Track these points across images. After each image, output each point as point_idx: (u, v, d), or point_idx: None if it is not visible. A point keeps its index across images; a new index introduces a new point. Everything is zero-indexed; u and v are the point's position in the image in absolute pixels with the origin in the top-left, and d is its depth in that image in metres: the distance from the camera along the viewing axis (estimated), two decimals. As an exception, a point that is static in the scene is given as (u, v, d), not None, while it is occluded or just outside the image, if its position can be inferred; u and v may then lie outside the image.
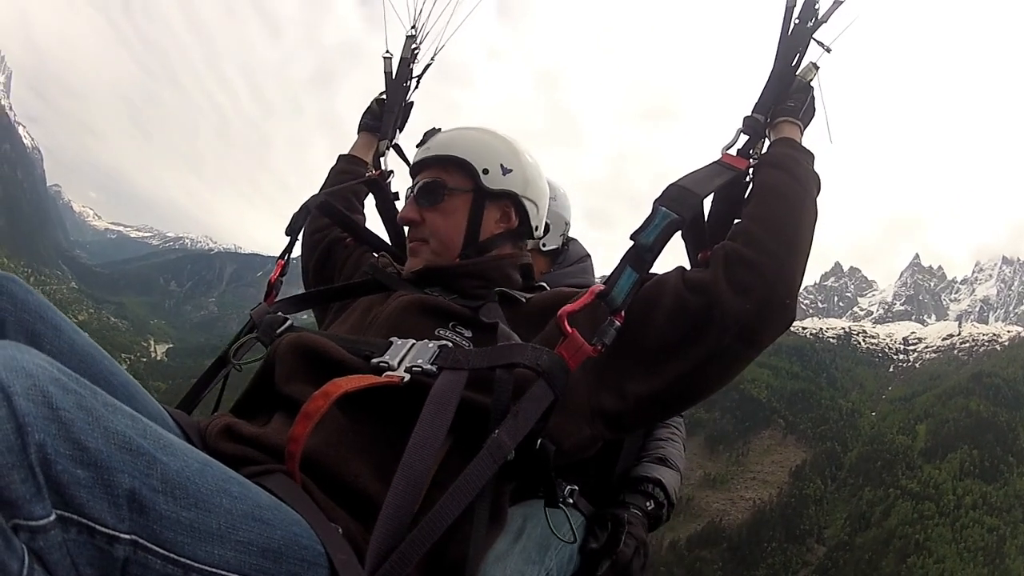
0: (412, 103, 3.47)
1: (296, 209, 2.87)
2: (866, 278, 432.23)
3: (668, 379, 1.87)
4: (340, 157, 3.40)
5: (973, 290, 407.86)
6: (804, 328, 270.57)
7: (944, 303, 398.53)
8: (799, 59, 2.32)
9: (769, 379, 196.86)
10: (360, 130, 3.48)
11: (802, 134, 2.29)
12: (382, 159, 3.34)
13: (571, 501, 2.11)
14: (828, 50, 2.33)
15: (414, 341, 1.82)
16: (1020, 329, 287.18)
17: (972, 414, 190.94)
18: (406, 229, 2.42)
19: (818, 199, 2.12)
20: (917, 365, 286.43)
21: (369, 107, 3.49)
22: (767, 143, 2.27)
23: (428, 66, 3.50)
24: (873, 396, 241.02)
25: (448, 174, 2.31)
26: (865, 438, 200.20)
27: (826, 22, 2.30)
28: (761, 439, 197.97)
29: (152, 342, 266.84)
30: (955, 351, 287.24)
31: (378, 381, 1.65)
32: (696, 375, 1.89)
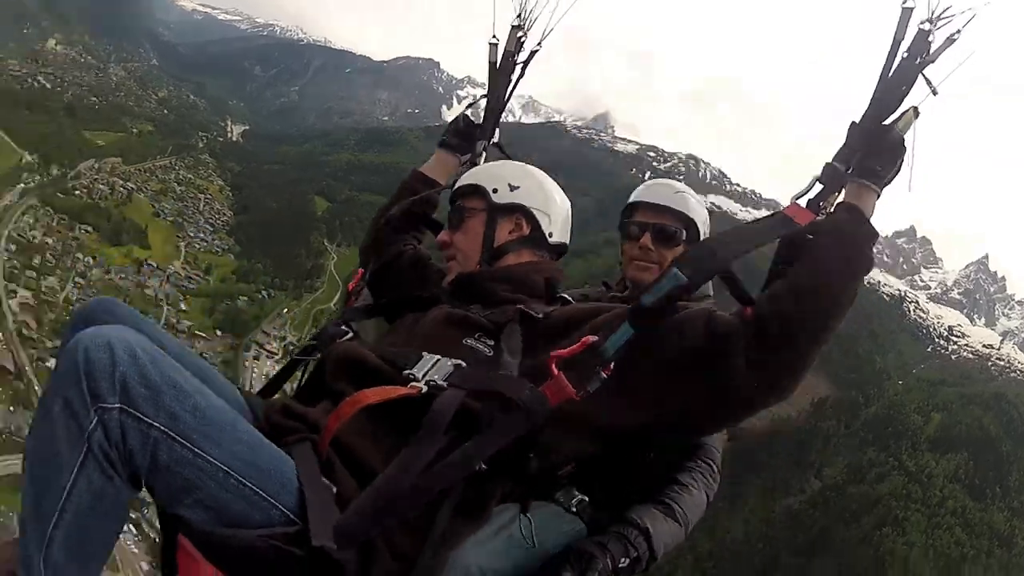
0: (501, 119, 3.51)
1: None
2: (934, 252, 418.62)
3: (663, 419, 2.20)
4: (412, 173, 3.48)
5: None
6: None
7: (996, 313, 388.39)
8: (900, 101, 2.15)
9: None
10: (440, 146, 3.51)
11: (876, 201, 2.18)
12: (480, 160, 3.41)
13: (574, 510, 2.55)
14: (935, 92, 2.11)
15: (439, 357, 2.21)
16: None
17: (984, 429, 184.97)
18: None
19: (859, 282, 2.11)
20: (953, 357, 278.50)
21: (454, 122, 3.51)
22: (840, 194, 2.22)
23: (535, 52, 3.44)
24: (904, 367, 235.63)
25: (467, 199, 2.80)
26: (885, 402, 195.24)
27: (934, 60, 2.10)
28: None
29: (229, 122, 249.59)
30: (988, 363, 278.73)
31: (397, 394, 2.09)
32: (689, 423, 2.30)
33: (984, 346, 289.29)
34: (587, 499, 2.60)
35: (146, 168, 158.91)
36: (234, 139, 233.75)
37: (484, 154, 3.42)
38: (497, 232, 2.73)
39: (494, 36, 3.38)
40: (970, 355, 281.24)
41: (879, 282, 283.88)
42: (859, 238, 2.10)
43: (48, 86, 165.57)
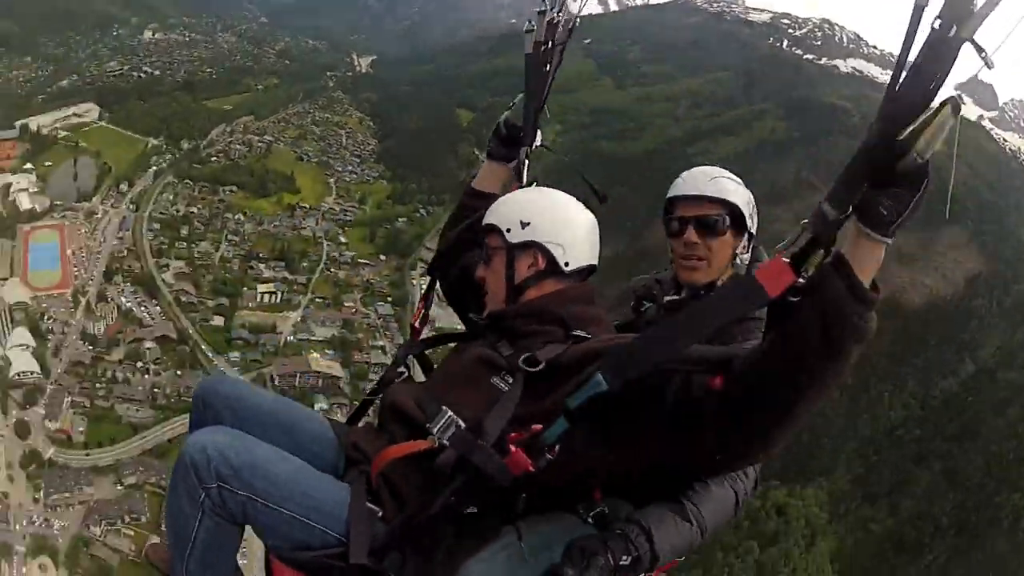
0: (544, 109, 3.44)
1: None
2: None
3: (647, 464, 2.61)
4: (466, 189, 3.56)
5: None
6: (1006, 141, 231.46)
7: None
8: (929, 97, 1.58)
9: (967, 177, 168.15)
10: (488, 157, 3.53)
11: (881, 254, 1.75)
12: (524, 166, 3.40)
13: (590, 521, 2.78)
14: (990, 65, 1.53)
15: (450, 414, 2.60)
16: None
17: None
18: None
19: (853, 355, 1.79)
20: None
21: (496, 128, 3.47)
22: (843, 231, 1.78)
23: (572, 29, 3.32)
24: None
25: (489, 238, 2.98)
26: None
27: (975, 30, 1.52)
28: (952, 231, 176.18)
29: (355, 56, 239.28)
30: None
31: (417, 449, 2.64)
32: (673, 471, 2.80)
33: None
34: (607, 510, 2.79)
35: (280, 119, 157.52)
36: (363, 71, 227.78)
37: (527, 161, 3.36)
38: (516, 270, 2.88)
39: (529, 22, 3.19)
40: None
41: (1020, 148, 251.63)
42: (845, 309, 1.70)
43: (156, 73, 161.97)
